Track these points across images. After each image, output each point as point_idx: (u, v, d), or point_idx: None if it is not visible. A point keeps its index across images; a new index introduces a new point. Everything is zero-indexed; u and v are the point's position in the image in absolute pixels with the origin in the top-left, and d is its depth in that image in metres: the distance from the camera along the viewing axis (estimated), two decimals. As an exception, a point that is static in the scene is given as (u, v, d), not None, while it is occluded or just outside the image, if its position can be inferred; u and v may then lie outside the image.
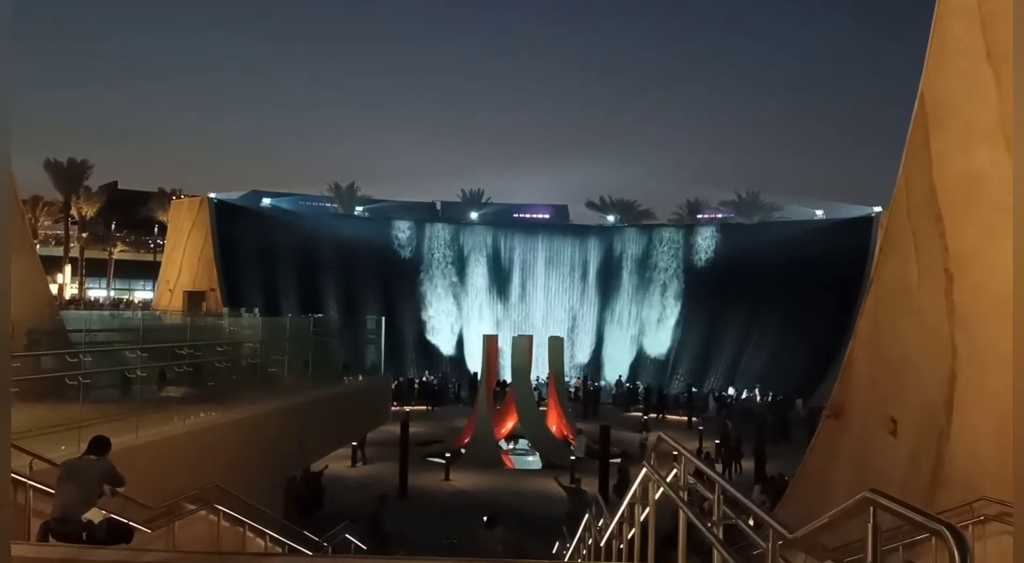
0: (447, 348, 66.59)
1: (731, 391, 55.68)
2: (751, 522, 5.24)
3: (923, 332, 13.89)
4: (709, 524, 5.49)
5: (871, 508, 3.25)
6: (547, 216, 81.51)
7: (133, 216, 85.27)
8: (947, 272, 13.13)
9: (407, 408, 44.83)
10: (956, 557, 2.65)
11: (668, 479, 6.97)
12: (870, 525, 3.23)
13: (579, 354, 66.29)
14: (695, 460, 6.38)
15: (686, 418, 48.25)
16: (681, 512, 6.21)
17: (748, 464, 34.26)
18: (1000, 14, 12.18)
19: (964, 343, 12.68)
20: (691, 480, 6.55)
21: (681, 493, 6.47)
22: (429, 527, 25.14)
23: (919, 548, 10.75)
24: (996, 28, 12.17)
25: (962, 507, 11.51)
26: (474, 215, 74.14)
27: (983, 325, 12.36)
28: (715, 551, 5.22)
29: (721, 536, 5.35)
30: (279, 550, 14.50)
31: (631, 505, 8.63)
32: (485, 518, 17.64)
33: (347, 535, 20.70)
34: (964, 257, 12.87)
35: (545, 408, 44.09)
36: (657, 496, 7.45)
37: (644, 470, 7.79)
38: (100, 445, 8.80)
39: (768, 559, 4.34)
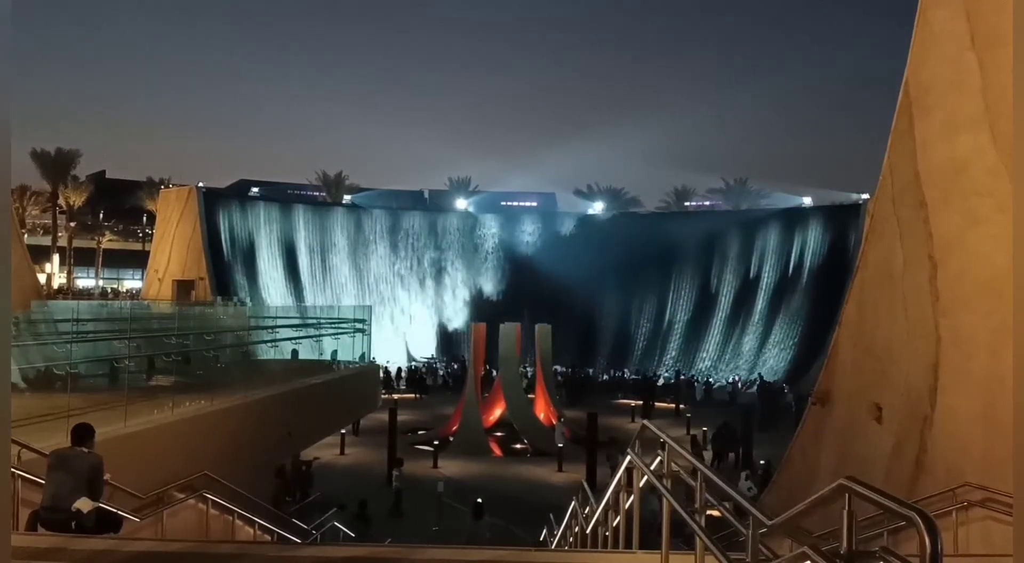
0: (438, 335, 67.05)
1: (732, 378, 55.74)
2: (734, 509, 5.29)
3: (907, 319, 13.96)
4: (692, 511, 5.54)
5: (847, 495, 3.30)
6: (535, 204, 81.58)
7: (121, 205, 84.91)
8: (931, 259, 13.19)
9: (395, 396, 44.86)
10: (926, 542, 2.70)
11: (652, 467, 7.00)
12: (845, 512, 3.28)
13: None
14: (678, 448, 6.42)
15: (673, 405, 48.12)
16: (664, 500, 6.26)
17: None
18: (985, 1, 12.23)
19: (948, 330, 12.75)
20: (675, 468, 6.58)
21: (664, 481, 6.50)
22: (417, 514, 25.25)
23: (904, 534, 10.86)
24: (981, 15, 12.21)
25: (945, 493, 11.60)
26: (461, 203, 74.05)
27: (967, 312, 12.43)
28: (697, 538, 5.28)
29: (703, 523, 5.40)
30: (268, 538, 14.52)
31: (616, 492, 8.67)
32: (472, 509, 17.74)
33: (335, 523, 20.78)
34: (948, 244, 12.93)
35: (532, 395, 44.18)
36: (642, 484, 7.49)
37: (628, 458, 7.84)
38: (83, 434, 8.80)
39: (749, 546, 4.40)
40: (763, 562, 4.42)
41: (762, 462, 27.80)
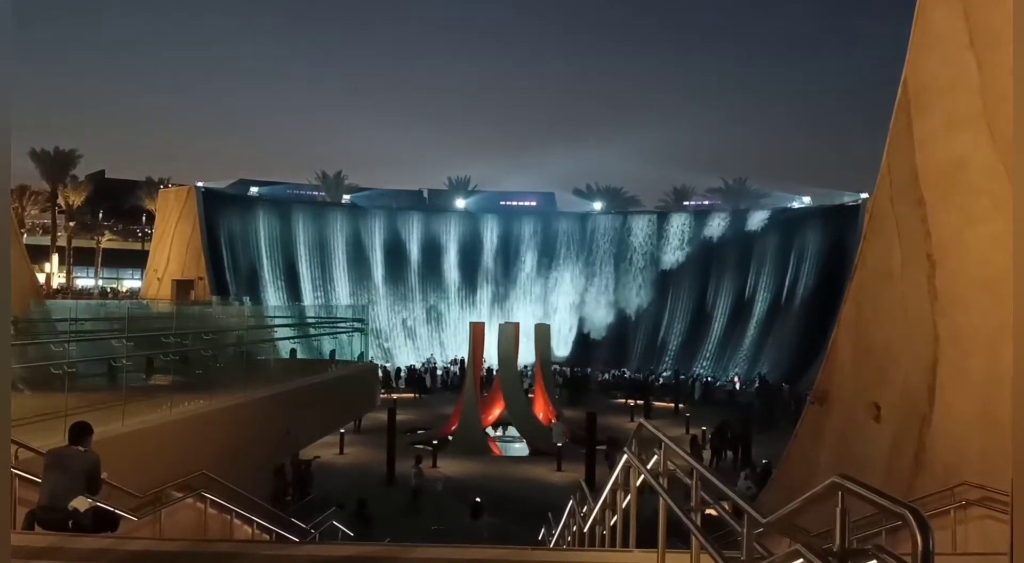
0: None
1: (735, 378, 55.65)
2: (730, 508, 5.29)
3: (906, 318, 13.97)
4: (687, 510, 5.53)
5: (839, 493, 3.30)
6: (534, 203, 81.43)
7: (121, 205, 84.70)
8: (929, 257, 13.19)
9: (395, 395, 44.84)
10: (918, 540, 2.70)
11: (649, 466, 7.00)
12: (838, 509, 3.28)
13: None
14: (675, 446, 6.41)
15: (672, 405, 48.06)
16: (661, 499, 6.25)
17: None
18: (983, 0, 12.22)
19: (946, 329, 12.75)
20: (671, 466, 6.57)
21: (661, 480, 6.50)
22: (416, 513, 25.26)
23: (901, 533, 10.84)
24: (979, 14, 12.21)
25: (944, 492, 11.61)
26: (460, 203, 73.98)
27: (965, 311, 12.43)
28: (693, 537, 5.28)
29: (699, 522, 5.40)
30: (266, 537, 14.50)
31: (613, 491, 8.66)
32: (471, 509, 17.74)
33: (334, 522, 20.76)
34: (946, 242, 12.93)
35: (532, 395, 44.14)
36: (638, 483, 7.48)
37: (625, 457, 7.83)
38: (81, 432, 8.79)
39: (744, 544, 4.41)
40: (757, 560, 4.42)
41: (764, 461, 27.82)
